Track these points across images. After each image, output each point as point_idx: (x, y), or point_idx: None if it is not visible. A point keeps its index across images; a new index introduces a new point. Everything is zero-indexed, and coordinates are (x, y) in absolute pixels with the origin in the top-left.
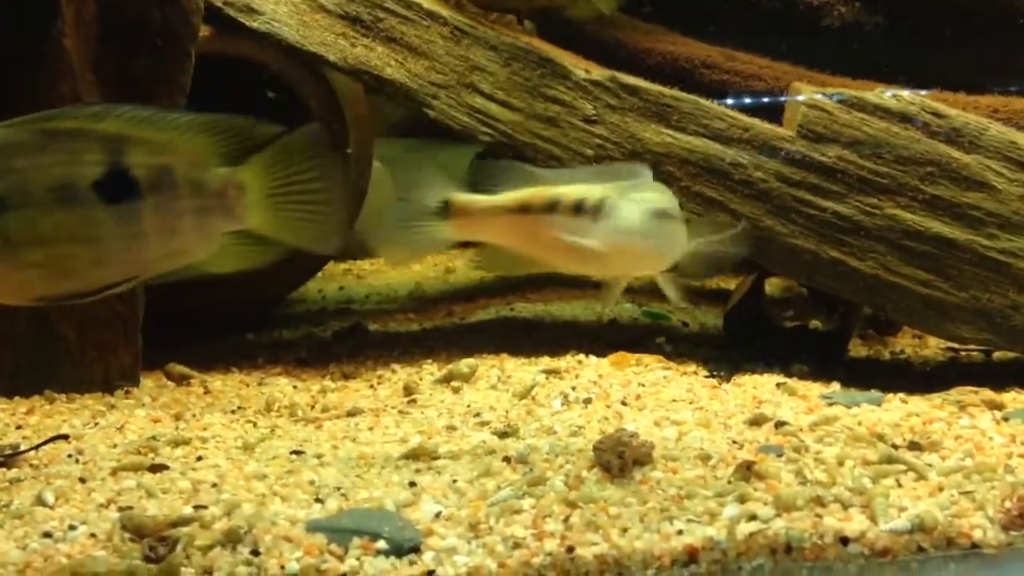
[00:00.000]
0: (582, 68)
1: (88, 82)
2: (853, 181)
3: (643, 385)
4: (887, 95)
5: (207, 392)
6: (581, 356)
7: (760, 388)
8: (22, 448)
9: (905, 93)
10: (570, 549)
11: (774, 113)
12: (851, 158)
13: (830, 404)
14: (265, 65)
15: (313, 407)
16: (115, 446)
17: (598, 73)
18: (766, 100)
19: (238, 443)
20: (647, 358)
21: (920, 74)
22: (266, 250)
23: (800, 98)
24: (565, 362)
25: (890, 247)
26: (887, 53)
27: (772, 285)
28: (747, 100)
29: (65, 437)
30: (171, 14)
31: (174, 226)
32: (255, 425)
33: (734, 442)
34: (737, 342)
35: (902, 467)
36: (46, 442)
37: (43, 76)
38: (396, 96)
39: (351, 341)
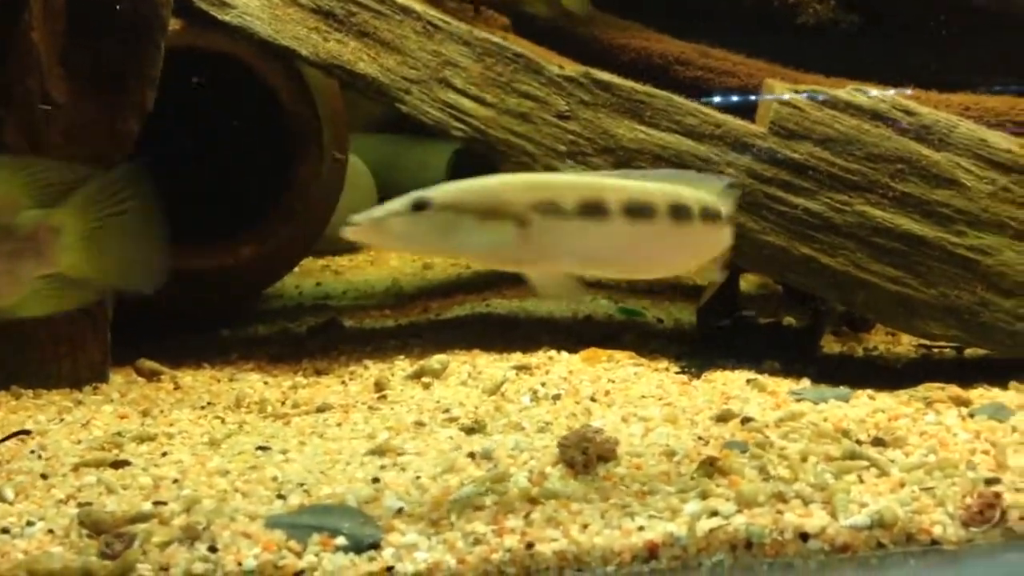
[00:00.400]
0: (555, 64)
1: (57, 76)
2: (824, 178)
3: (613, 381)
4: (858, 93)
5: (177, 388)
6: (552, 352)
7: (730, 384)
8: None
9: (875, 91)
10: (530, 545)
11: (748, 110)
12: (822, 155)
13: (798, 400)
14: (237, 59)
15: (283, 403)
16: (79, 442)
17: (571, 69)
18: (739, 97)
19: (204, 439)
20: (619, 354)
21: (895, 72)
22: (82, 292)
23: (772, 95)
24: (536, 358)
25: (860, 244)
26: (863, 51)
27: (748, 282)
28: (720, 97)
29: (27, 432)
30: (141, 6)
31: None
32: (223, 421)
33: (700, 438)
34: (710, 338)
35: (865, 463)
36: (8, 438)
37: (11, 70)
38: (368, 91)
39: (325, 337)
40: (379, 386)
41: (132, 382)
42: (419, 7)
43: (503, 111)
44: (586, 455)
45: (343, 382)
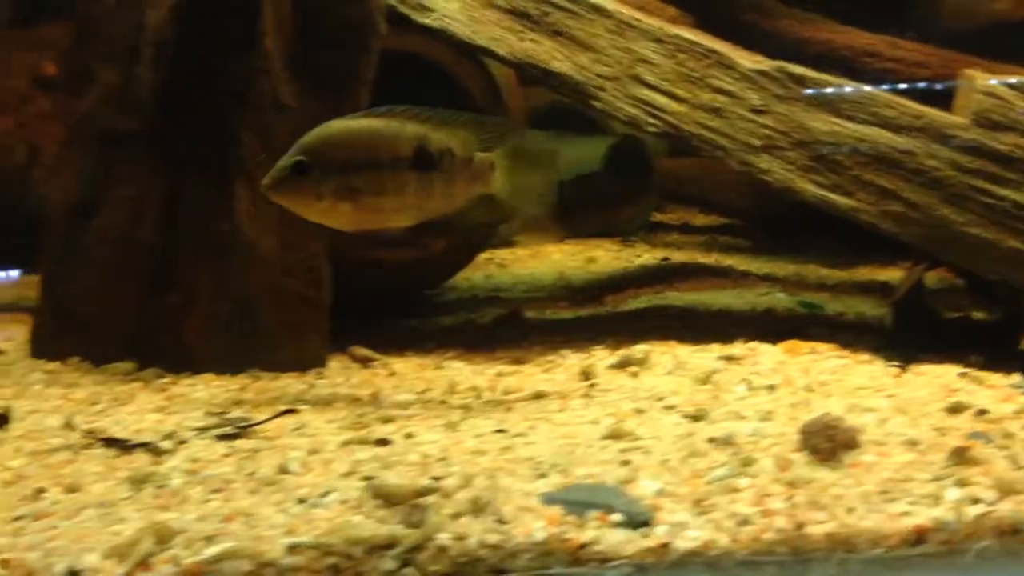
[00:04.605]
0: (748, 59)
1: (285, 80)
2: None
3: (823, 372)
4: None
5: (392, 374)
6: (753, 343)
7: (944, 377)
8: (253, 421)
9: None
10: (800, 526)
11: (933, 100)
12: None
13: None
14: (432, 59)
15: (493, 389)
16: (331, 421)
17: (765, 63)
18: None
19: (440, 422)
20: (821, 346)
21: None
22: (499, 208)
23: (975, 85)
24: (739, 349)
25: None
26: None
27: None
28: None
29: (293, 411)
30: (357, 13)
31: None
32: (448, 405)
33: (937, 429)
34: (904, 332)
35: None
36: (277, 416)
37: (247, 72)
38: (563, 89)
39: (511, 328)
40: (586, 375)
41: (347, 367)
42: (611, 6)
43: (696, 106)
44: (832, 442)
45: (545, 371)
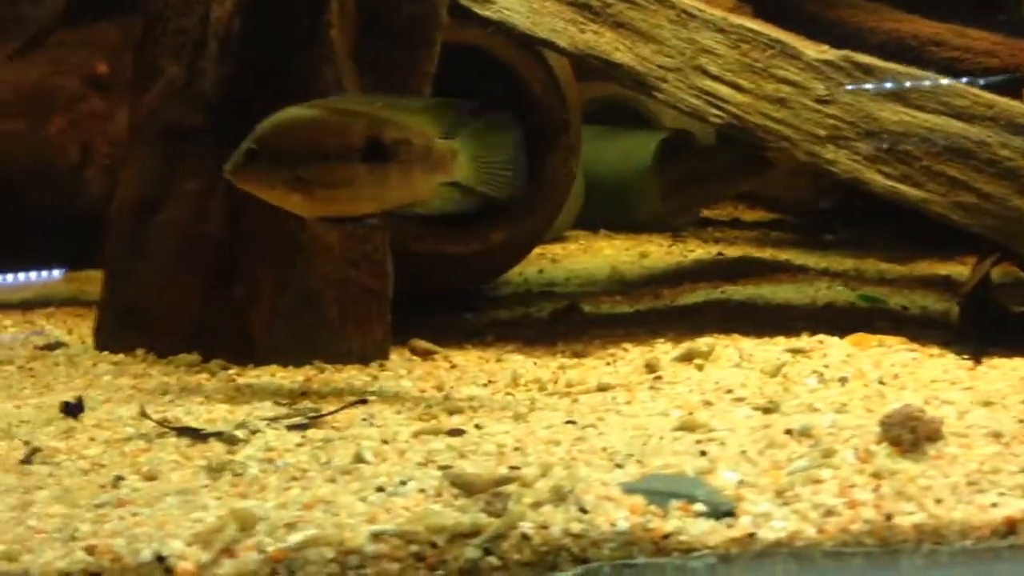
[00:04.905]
0: (813, 48)
1: (348, 70)
2: None
3: (895, 365)
4: None
5: (453, 367)
6: (820, 336)
7: (1019, 370)
8: (323, 411)
9: None
10: (888, 517)
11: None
12: None
13: None
14: (491, 52)
15: (556, 382)
16: (399, 412)
17: (831, 53)
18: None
19: (508, 413)
20: (889, 339)
21: None
22: (465, 198)
23: None
24: (805, 342)
25: None
26: None
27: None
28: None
29: (364, 402)
30: (422, 7)
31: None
32: (514, 397)
33: (1020, 420)
34: (971, 326)
35: None
36: (348, 405)
37: (313, 62)
38: (625, 80)
39: (568, 321)
40: (651, 367)
41: (408, 360)
42: None
43: (760, 97)
44: (915, 434)
45: (607, 363)
